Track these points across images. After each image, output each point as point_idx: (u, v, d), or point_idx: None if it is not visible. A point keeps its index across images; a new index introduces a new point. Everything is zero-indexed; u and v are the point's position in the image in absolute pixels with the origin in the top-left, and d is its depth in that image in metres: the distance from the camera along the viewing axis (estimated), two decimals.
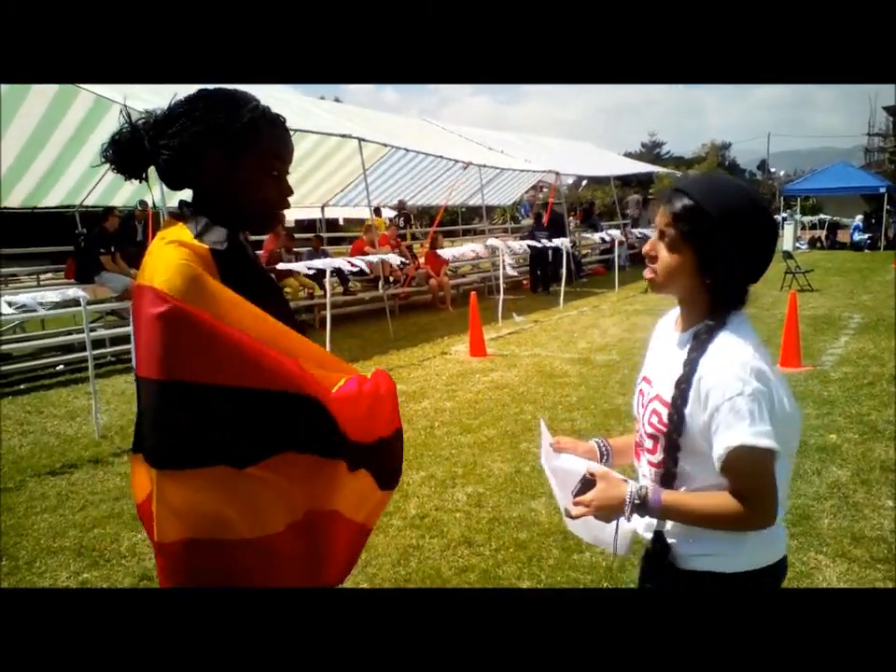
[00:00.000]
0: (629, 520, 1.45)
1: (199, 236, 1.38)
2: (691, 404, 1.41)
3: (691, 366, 1.41)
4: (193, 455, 1.30)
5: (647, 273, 1.51)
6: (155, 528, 1.33)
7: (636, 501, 1.42)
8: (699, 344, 1.43)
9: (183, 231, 1.38)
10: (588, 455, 1.69)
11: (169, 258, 1.30)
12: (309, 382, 1.36)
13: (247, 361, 1.29)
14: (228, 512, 1.32)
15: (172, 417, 1.30)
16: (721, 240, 1.39)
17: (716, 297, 1.45)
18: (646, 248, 1.50)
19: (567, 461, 1.62)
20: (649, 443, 1.51)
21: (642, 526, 1.54)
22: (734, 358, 1.39)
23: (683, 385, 1.41)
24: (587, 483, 1.48)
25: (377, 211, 16.63)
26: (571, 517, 1.50)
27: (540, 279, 14.34)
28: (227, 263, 1.38)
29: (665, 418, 1.45)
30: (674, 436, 1.43)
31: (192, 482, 1.30)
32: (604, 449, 1.71)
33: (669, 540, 1.49)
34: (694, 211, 1.41)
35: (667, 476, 1.47)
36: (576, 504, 1.48)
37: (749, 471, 1.38)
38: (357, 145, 9.95)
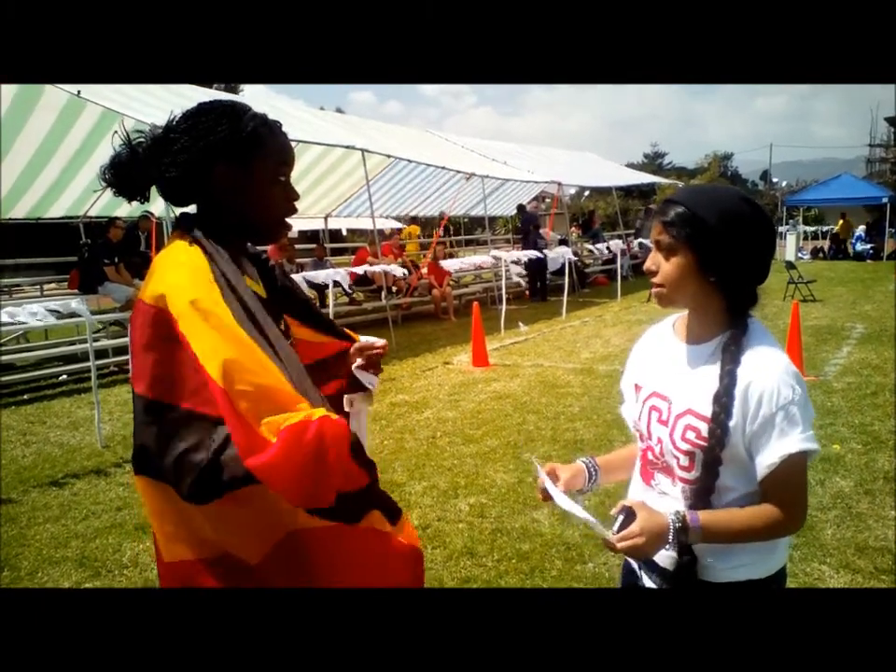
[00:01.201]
0: (674, 548, 1.40)
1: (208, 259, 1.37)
2: (735, 416, 1.39)
3: (729, 378, 1.40)
4: (156, 470, 1.30)
5: (654, 290, 1.50)
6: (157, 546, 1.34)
7: (678, 525, 1.38)
8: (731, 356, 1.42)
9: (195, 255, 1.36)
10: (576, 475, 1.66)
11: (173, 276, 1.30)
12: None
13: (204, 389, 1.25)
14: (214, 533, 1.30)
15: (146, 432, 1.31)
16: (716, 234, 1.40)
17: (729, 299, 1.45)
18: (647, 265, 1.49)
19: (566, 503, 1.50)
20: (684, 460, 1.46)
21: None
22: (777, 365, 1.40)
23: (725, 399, 1.39)
24: (629, 515, 1.41)
25: (414, 219, 16.81)
26: (616, 551, 1.41)
27: (539, 288, 14.40)
28: (230, 291, 1.35)
29: (704, 433, 1.42)
30: (717, 450, 1.41)
31: (167, 496, 1.30)
32: (592, 469, 1.69)
33: (704, 556, 1.45)
34: (686, 215, 1.42)
35: (705, 491, 1.44)
36: (623, 538, 1.38)
37: (795, 477, 1.41)
38: (361, 156, 9.99)
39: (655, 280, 1.48)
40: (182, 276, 1.31)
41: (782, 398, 1.37)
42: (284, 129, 1.50)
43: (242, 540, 1.32)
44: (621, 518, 1.42)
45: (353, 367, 1.77)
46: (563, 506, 1.49)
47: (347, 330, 1.83)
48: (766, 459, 1.39)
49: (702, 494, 1.45)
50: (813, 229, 27.36)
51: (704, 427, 1.43)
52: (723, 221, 1.40)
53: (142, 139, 1.43)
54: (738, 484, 1.45)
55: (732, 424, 1.40)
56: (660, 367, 1.57)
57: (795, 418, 1.37)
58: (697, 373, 1.48)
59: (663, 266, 1.46)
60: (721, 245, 1.40)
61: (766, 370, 1.40)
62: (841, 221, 24.49)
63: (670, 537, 1.38)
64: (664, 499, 1.54)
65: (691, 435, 1.45)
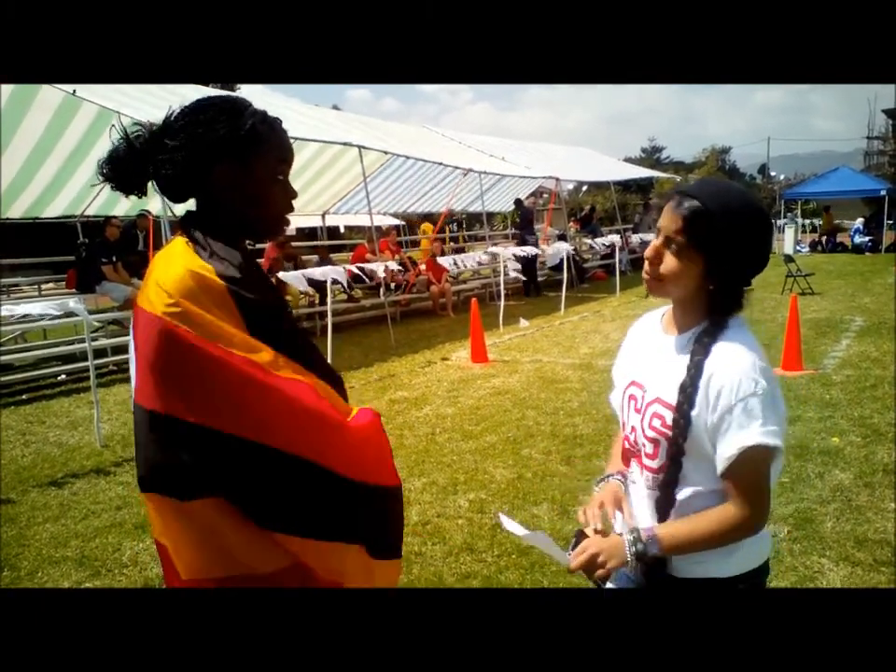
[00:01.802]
0: (634, 564, 1.42)
1: (211, 261, 1.35)
2: (697, 407, 1.40)
3: (696, 369, 1.41)
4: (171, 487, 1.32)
5: (648, 277, 1.48)
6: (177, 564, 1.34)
7: (631, 537, 1.42)
8: (702, 347, 1.42)
9: (195, 259, 1.34)
10: (622, 497, 1.63)
11: (178, 286, 1.29)
12: (318, 420, 1.34)
13: (247, 409, 1.28)
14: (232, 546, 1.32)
15: (157, 448, 1.32)
16: (730, 246, 1.39)
17: (717, 299, 1.45)
18: (648, 252, 1.46)
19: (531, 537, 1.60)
20: (649, 448, 1.49)
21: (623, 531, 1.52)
22: (743, 359, 1.40)
23: (689, 389, 1.40)
24: (580, 537, 1.49)
25: (427, 216, 16.90)
26: (572, 571, 1.47)
27: (532, 283, 14.45)
28: (244, 297, 1.34)
29: (668, 421, 1.44)
30: (679, 440, 1.42)
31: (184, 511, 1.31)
32: (623, 481, 1.65)
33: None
34: (705, 216, 1.39)
35: (669, 482, 1.46)
36: (576, 556, 1.45)
37: (755, 472, 1.39)
38: (358, 152, 9.97)
39: (655, 271, 1.46)
40: (190, 286, 1.29)
41: (741, 391, 1.36)
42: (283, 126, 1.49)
43: (253, 550, 1.32)
44: (574, 541, 1.49)
45: None
46: (528, 541, 1.58)
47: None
48: (725, 451, 1.38)
49: (665, 485, 1.46)
50: (808, 221, 27.36)
51: (668, 415, 1.44)
52: (740, 234, 1.39)
53: (140, 134, 1.41)
54: (702, 479, 1.45)
55: (694, 414, 1.40)
56: (642, 356, 1.59)
57: (754, 412, 1.36)
58: (670, 363, 1.48)
59: (668, 261, 1.44)
60: (731, 258, 1.41)
61: (731, 363, 1.39)
62: (825, 215, 24.64)
63: (627, 551, 1.41)
64: (633, 487, 1.58)
65: (657, 423, 1.46)
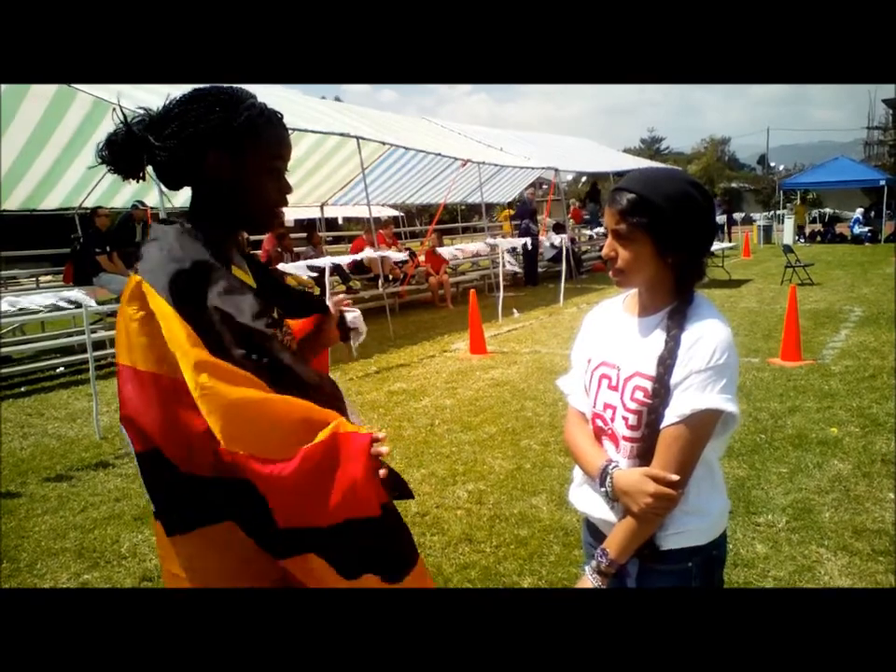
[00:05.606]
0: (601, 580, 1.56)
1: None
2: (675, 376, 1.48)
3: (674, 342, 1.50)
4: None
5: (612, 274, 1.58)
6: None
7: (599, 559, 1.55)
8: (677, 323, 1.52)
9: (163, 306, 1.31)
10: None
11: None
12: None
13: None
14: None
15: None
16: (671, 219, 1.48)
17: (679, 275, 1.55)
18: (605, 251, 1.58)
19: None
20: (633, 419, 1.55)
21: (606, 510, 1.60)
22: (719, 332, 1.50)
23: (669, 361, 1.49)
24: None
25: (511, 205, 16.83)
26: None
27: (531, 272, 14.45)
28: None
29: (650, 391, 1.51)
30: (660, 408, 1.50)
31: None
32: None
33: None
34: (639, 202, 1.49)
35: (649, 448, 1.52)
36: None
37: (695, 435, 1.47)
38: (356, 143, 9.93)
39: (615, 266, 1.56)
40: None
41: (713, 359, 1.46)
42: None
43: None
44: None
45: (345, 313, 1.86)
46: None
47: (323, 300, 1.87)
48: (679, 408, 1.47)
49: (645, 452, 1.52)
50: (812, 212, 27.36)
51: (649, 386, 1.52)
52: (675, 206, 1.48)
53: (140, 120, 1.42)
54: None
55: (672, 381, 1.49)
56: (609, 339, 1.65)
57: (718, 379, 1.46)
58: (645, 340, 1.57)
59: (621, 253, 1.54)
60: (675, 229, 1.49)
61: (707, 334, 1.49)
62: (798, 205, 24.94)
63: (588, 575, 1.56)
64: (620, 461, 1.61)
65: (639, 395, 1.53)
